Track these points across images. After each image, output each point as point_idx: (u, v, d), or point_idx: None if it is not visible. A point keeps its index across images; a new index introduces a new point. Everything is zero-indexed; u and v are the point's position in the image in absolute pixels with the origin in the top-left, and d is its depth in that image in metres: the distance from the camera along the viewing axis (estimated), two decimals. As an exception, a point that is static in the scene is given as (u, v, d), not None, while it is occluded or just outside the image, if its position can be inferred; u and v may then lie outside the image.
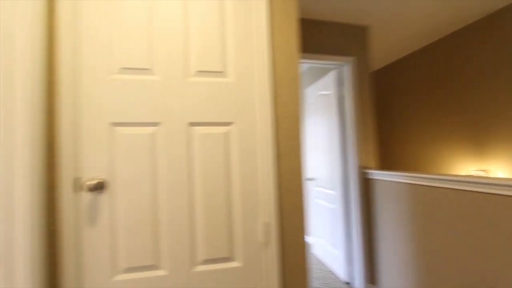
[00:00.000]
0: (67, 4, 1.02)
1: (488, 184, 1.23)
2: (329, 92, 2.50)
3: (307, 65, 3.26)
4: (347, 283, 2.31)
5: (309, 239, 3.16)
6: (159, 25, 1.09)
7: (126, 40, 1.06)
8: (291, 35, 1.22)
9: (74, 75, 1.01)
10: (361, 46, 2.33)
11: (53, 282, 0.96)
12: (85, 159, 1.01)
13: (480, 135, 2.36)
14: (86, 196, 1.00)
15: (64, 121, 0.99)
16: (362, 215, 2.23)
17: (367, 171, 2.23)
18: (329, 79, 2.49)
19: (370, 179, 2.23)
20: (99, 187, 0.98)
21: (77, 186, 0.99)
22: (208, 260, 1.08)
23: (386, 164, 3.61)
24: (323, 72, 2.91)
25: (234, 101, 1.14)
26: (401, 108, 3.33)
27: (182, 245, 1.06)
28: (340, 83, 2.39)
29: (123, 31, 1.06)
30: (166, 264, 1.05)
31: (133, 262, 1.02)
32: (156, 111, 1.07)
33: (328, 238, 2.61)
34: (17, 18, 0.87)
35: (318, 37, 2.23)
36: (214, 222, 1.09)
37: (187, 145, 1.09)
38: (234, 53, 1.16)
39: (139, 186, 1.04)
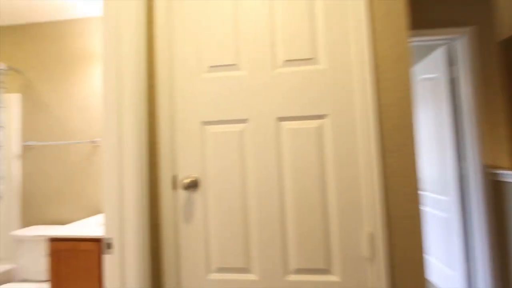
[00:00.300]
0: (162, 7, 1.07)
1: None
2: (435, 75, 2.05)
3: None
4: (468, 313, 1.83)
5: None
6: (244, 16, 1.04)
7: (212, 37, 1.05)
8: (397, 3, 0.99)
9: (169, 77, 1.06)
10: (484, 11, 1.81)
11: (156, 273, 1.02)
12: (181, 158, 1.04)
13: None
14: (182, 194, 1.03)
15: (162, 122, 1.04)
16: (488, 226, 1.73)
17: (496, 171, 1.72)
18: (435, 58, 2.03)
19: (500, 181, 1.71)
20: (192, 185, 0.99)
21: (175, 183, 1.03)
22: (301, 269, 0.97)
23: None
24: (425, 52, 2.42)
25: (328, 90, 0.99)
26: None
27: (272, 249, 0.98)
28: (450, 62, 1.92)
29: (210, 27, 1.06)
30: (257, 269, 0.98)
31: (225, 262, 1.00)
32: (244, 107, 1.02)
33: (440, 255, 2.14)
34: (124, 25, 0.94)
35: (419, 7, 1.85)
36: (306, 228, 0.97)
37: (276, 142, 1.00)
38: (325, 33, 1.01)
39: (228, 185, 1.01)
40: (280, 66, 1.02)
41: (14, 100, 2.23)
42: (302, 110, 1.00)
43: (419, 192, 0.95)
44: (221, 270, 1.00)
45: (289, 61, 1.02)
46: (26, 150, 2.22)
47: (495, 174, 1.72)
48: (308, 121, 1.00)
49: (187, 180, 0.97)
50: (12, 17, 2.19)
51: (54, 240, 1.52)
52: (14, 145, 2.21)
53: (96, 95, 2.15)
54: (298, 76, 1.01)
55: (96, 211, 2.09)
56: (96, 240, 1.49)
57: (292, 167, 0.99)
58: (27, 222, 2.17)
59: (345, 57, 1.00)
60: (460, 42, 1.84)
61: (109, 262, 0.90)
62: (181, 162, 1.04)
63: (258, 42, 1.03)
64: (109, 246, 0.90)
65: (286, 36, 1.02)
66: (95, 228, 1.59)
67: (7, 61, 2.29)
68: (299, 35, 1.02)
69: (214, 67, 1.05)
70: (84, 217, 2.09)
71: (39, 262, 1.87)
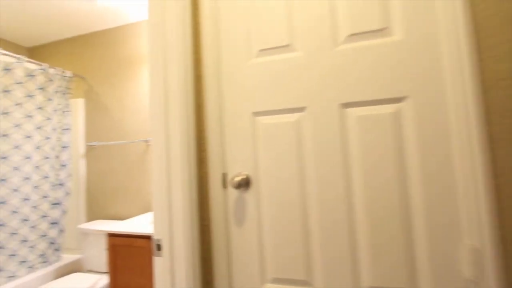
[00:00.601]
0: (207, -6, 0.99)
1: None
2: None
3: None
4: None
5: None
6: (298, -11, 0.90)
7: (261, 16, 0.93)
8: None
9: (217, 65, 0.97)
10: None
11: (207, 277, 0.94)
12: (230, 154, 0.94)
13: None
14: (233, 193, 0.93)
15: (210, 114, 0.96)
16: None
17: None
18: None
19: None
20: (243, 184, 0.88)
21: (225, 182, 0.94)
22: (376, 288, 0.79)
23: None
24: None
25: (405, 66, 0.79)
26: None
27: (339, 261, 0.82)
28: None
29: (258, 6, 0.94)
30: (320, 283, 0.83)
31: (281, 272, 0.87)
32: (301, 94, 0.88)
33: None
34: (168, 12, 0.88)
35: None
36: (383, 237, 0.79)
37: (340, 133, 0.84)
38: (403, -4, 0.81)
39: (283, 184, 0.88)
40: (343, 42, 0.85)
41: (79, 105, 2.43)
42: (373, 92, 0.81)
43: (548, 195, 0.69)
44: (278, 281, 0.88)
45: (354, 35, 0.84)
46: (90, 150, 2.40)
47: None
48: (382, 106, 0.81)
49: (238, 178, 0.86)
50: (76, 30, 2.39)
51: (111, 236, 1.58)
52: (80, 145, 2.41)
53: (147, 95, 2.22)
54: (366, 52, 0.83)
55: (151, 208, 2.16)
56: (149, 238, 1.49)
57: (361, 163, 0.82)
58: (91, 216, 2.34)
59: (429, 22, 0.78)
60: None
61: (158, 264, 0.85)
62: (230, 158, 0.94)
63: (314, 15, 0.88)
64: (158, 247, 0.84)
65: (349, 2, 0.85)
66: (148, 226, 1.61)
67: (72, 69, 2.51)
68: (366, 0, 0.83)
69: (265, 51, 0.93)
70: (140, 214, 2.18)
71: (101, 255, 1.99)
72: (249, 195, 0.91)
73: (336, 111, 0.84)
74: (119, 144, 2.28)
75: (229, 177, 0.93)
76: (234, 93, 0.95)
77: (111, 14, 2.17)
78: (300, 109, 0.88)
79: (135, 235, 1.53)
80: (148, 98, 0.89)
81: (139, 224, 1.67)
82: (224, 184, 0.93)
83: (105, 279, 1.83)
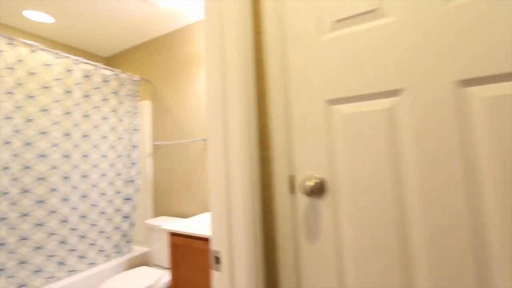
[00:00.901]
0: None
1: None
2: None
3: None
4: None
5: None
6: None
7: (339, -21, 0.74)
8: None
9: (281, 46, 0.81)
10: None
11: (272, 298, 0.79)
12: (298, 152, 0.77)
13: None
14: (303, 200, 0.76)
15: (273, 106, 0.81)
16: None
17: None
18: None
19: None
20: (317, 190, 0.71)
21: (292, 186, 0.78)
22: None
23: None
24: None
25: None
26: None
27: (457, 304, 0.57)
28: None
29: (335, -32, 0.75)
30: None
31: (368, 306, 0.67)
32: (395, 72, 0.66)
33: None
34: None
35: None
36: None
37: (456, 120, 0.59)
38: None
39: (372, 191, 0.67)
40: (461, -7, 0.60)
41: (146, 106, 2.58)
42: (506, 62, 0.55)
43: None
44: (363, 316, 0.68)
45: (480, -18, 0.59)
46: (155, 149, 2.52)
47: None
48: (533, 79, 0.54)
49: (310, 183, 0.69)
50: (142, 37, 2.54)
51: (172, 234, 1.58)
52: (147, 145, 2.55)
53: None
54: (494, 4, 0.56)
55: (210, 208, 2.15)
56: (207, 240, 1.44)
57: (496, 165, 0.56)
58: (157, 212, 2.46)
59: None
60: None
61: (217, 279, 0.73)
62: (299, 158, 0.77)
63: (416, -36, 0.65)
64: (217, 260, 0.73)
65: None
66: (207, 227, 1.57)
67: (140, 73, 2.69)
68: None
69: (342, 21, 0.73)
70: (200, 213, 2.18)
71: (166, 250, 2.05)
72: (324, 204, 0.73)
73: (450, 91, 0.60)
74: (180, 144, 2.34)
75: (298, 180, 0.77)
76: (303, 78, 0.78)
77: (172, 17, 2.23)
78: (395, 92, 0.66)
79: (194, 236, 1.49)
80: (205, 85, 0.78)
81: (199, 225, 1.63)
82: (292, 189, 0.77)
83: (168, 276, 1.87)
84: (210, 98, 0.77)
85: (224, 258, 0.72)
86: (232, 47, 0.76)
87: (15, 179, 1.64)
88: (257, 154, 0.81)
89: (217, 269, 0.73)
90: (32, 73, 1.75)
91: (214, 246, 0.74)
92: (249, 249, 0.71)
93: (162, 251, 2.06)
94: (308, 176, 0.75)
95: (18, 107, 1.68)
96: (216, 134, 0.76)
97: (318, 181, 0.71)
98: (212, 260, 0.75)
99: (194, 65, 2.29)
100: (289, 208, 0.77)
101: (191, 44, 2.31)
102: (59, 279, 1.81)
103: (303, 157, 0.76)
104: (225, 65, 0.76)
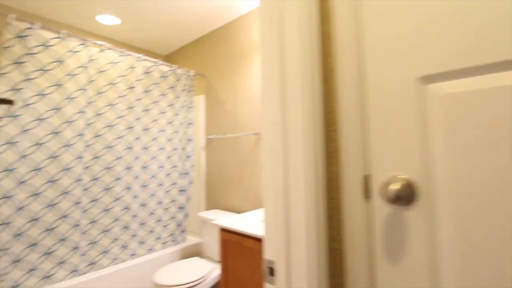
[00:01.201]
0: None
1: None
2: None
3: None
4: None
5: None
6: None
7: None
8: None
9: (352, 13, 0.65)
10: None
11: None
12: (376, 145, 0.61)
13: None
14: (382, 208, 0.59)
15: (342, 88, 0.65)
16: None
17: None
18: None
19: None
20: (404, 196, 0.53)
21: (367, 190, 0.61)
22: None
23: None
24: None
25: None
26: None
27: None
28: None
29: None
30: None
31: None
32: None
33: None
34: None
35: None
36: None
37: None
38: None
39: (495, 203, 0.47)
40: None
41: (200, 101, 2.63)
42: None
43: None
44: None
45: None
46: (209, 142, 2.55)
47: None
48: None
49: (396, 186, 0.52)
50: (197, 32, 2.57)
51: (223, 230, 1.54)
52: (201, 138, 2.60)
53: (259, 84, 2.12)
54: None
55: (262, 204, 2.07)
56: (259, 240, 1.35)
57: None
58: (210, 205, 2.49)
59: None
60: None
61: (272, 294, 0.62)
62: (377, 153, 0.60)
63: None
64: (271, 271, 0.62)
65: None
66: (259, 225, 1.48)
67: (195, 68, 2.74)
68: None
69: (446, -32, 0.53)
70: (252, 208, 2.12)
71: (217, 243, 2.05)
72: (414, 214, 0.55)
73: None
74: (232, 137, 2.30)
75: (375, 182, 0.60)
76: (383, 49, 0.60)
77: (226, 9, 2.19)
78: (538, 59, 0.44)
79: (245, 235, 1.41)
80: (260, 64, 0.66)
81: (250, 222, 1.56)
82: (366, 193, 0.61)
83: (218, 269, 1.85)
84: (266, 79, 0.66)
85: (279, 270, 0.60)
86: (291, 17, 0.63)
87: (87, 168, 1.80)
88: (322, 148, 0.67)
89: (271, 282, 0.62)
90: (101, 71, 1.90)
91: (268, 254, 0.63)
92: (311, 261, 0.58)
93: (214, 244, 2.07)
94: (390, 177, 0.58)
95: (90, 102, 1.83)
96: (273, 121, 0.64)
97: (405, 183, 0.54)
98: (265, 270, 0.64)
99: (247, 56, 2.22)
100: (362, 216, 0.61)
101: (245, 34, 2.25)
102: (123, 261, 1.95)
103: (383, 153, 0.59)
104: (284, 39, 0.64)
